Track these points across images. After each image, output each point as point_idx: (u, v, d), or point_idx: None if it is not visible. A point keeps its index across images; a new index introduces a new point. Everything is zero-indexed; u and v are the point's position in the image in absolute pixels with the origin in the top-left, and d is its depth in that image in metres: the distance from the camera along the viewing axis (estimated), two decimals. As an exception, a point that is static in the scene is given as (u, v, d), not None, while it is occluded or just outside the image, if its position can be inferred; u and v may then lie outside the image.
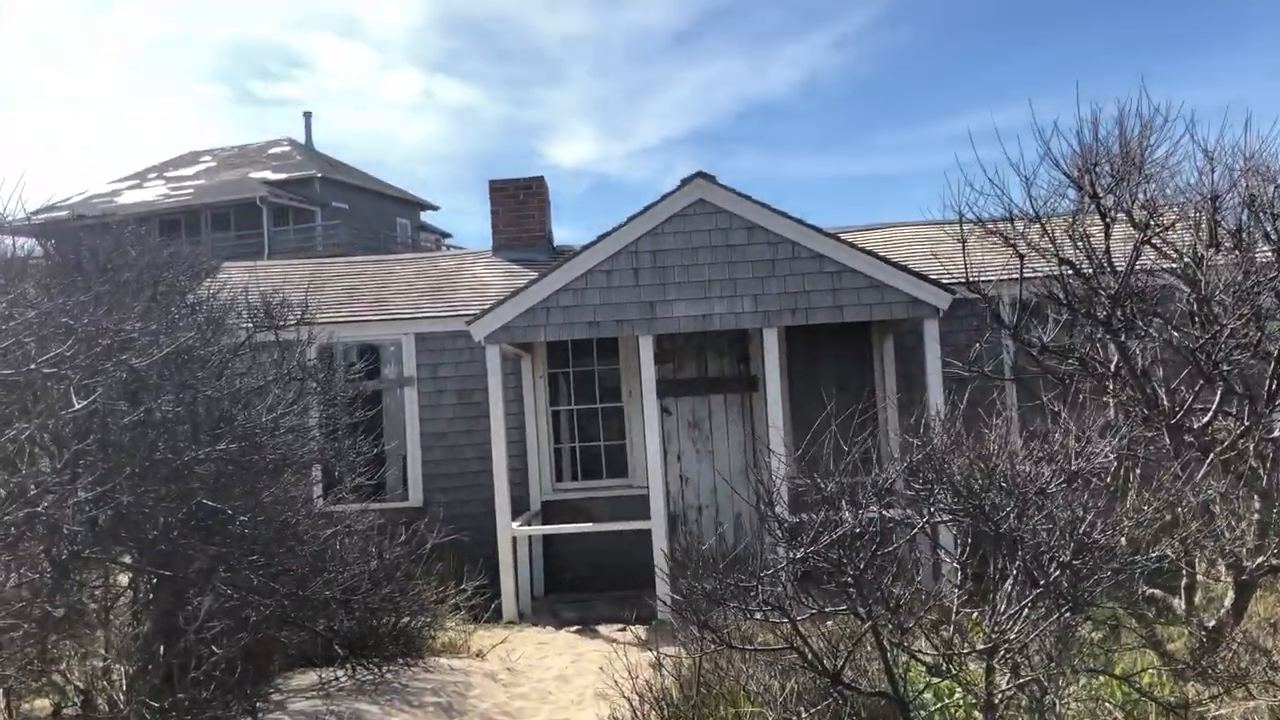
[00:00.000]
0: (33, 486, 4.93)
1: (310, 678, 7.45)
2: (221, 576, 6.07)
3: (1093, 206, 8.30)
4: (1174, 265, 8.09)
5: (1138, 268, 8.11)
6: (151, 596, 6.24)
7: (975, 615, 5.35)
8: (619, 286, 10.85)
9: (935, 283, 10.66)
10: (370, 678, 7.56)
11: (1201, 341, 7.36)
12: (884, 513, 5.22)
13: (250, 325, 7.88)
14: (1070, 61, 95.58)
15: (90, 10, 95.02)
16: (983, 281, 9.40)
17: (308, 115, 55.54)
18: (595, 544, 12.08)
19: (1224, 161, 8.04)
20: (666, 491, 11.62)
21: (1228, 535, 6.69)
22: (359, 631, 7.56)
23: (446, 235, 57.43)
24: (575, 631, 10.41)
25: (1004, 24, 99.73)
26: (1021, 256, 8.66)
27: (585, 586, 12.25)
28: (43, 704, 6.31)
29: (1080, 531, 5.08)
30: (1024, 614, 5.02)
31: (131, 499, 5.48)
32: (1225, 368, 7.36)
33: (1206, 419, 7.56)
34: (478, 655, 9.01)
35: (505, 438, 11.23)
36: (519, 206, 14.99)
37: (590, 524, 11.74)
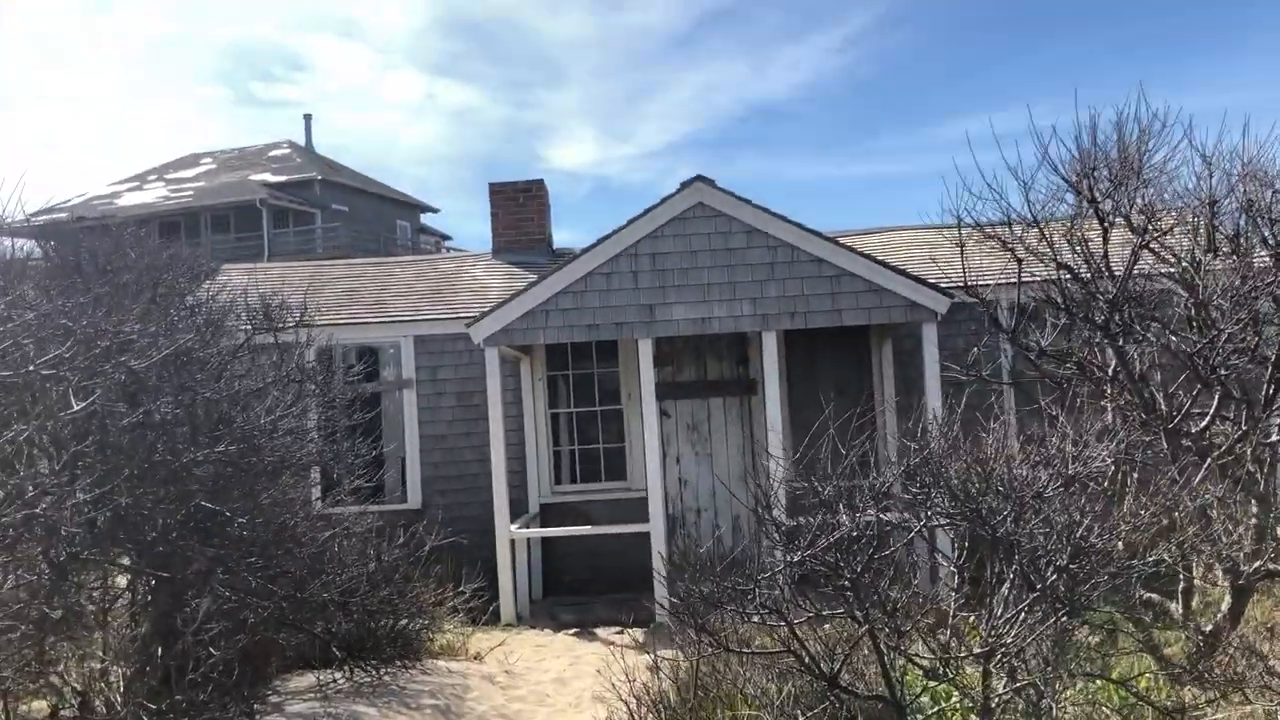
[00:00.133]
0: (31, 488, 4.93)
1: (308, 680, 7.46)
2: (220, 578, 6.08)
3: (1091, 211, 8.33)
4: (1172, 270, 8.11)
5: (1136, 272, 8.13)
6: (149, 598, 6.24)
7: (972, 619, 5.36)
8: (618, 289, 10.86)
9: (934, 287, 10.68)
10: (368, 680, 7.57)
11: (1199, 346, 7.37)
12: (881, 516, 5.23)
13: (249, 327, 7.89)
14: (1070, 63, 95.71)
15: (90, 10, 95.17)
16: (981, 286, 9.42)
17: (308, 117, 55.61)
18: (594, 547, 12.08)
19: (1222, 166, 8.07)
20: (665, 494, 11.63)
21: (1225, 540, 6.71)
22: (357, 634, 7.57)
23: (447, 238, 57.46)
24: (573, 634, 10.41)
25: (1004, 26, 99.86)
26: (1019, 261, 8.68)
27: (584, 589, 12.25)
28: (40, 705, 6.31)
29: (1077, 535, 5.09)
30: (1020, 618, 5.03)
31: (130, 501, 5.49)
32: (1223, 372, 7.38)
33: (1204, 423, 7.57)
34: (476, 658, 9.02)
35: (504, 440, 11.24)
36: (519, 209, 15.01)
37: (589, 527, 11.74)
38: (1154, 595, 7.28)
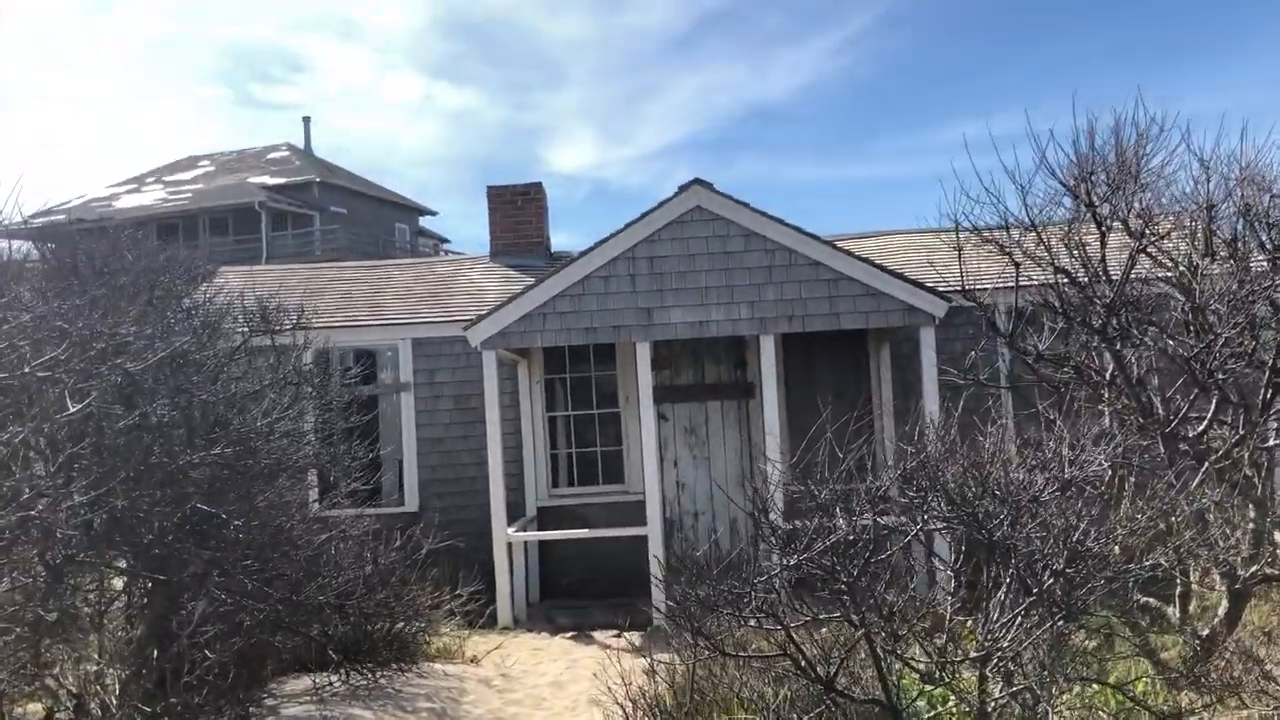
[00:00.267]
0: (27, 490, 4.93)
1: (304, 683, 7.45)
2: (215, 581, 6.07)
3: (1089, 215, 8.34)
4: (1169, 274, 8.12)
5: (1133, 276, 8.14)
6: (145, 601, 6.23)
7: (969, 623, 5.35)
8: (616, 293, 10.87)
9: (931, 290, 10.68)
10: (364, 683, 7.56)
11: (1196, 350, 7.37)
12: (878, 520, 5.23)
13: (246, 330, 7.88)
14: (1069, 64, 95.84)
15: (90, 10, 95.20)
16: (979, 289, 9.43)
17: (306, 120, 55.62)
18: (591, 550, 12.07)
19: (1220, 170, 8.09)
20: (663, 497, 11.62)
21: (1222, 544, 6.70)
22: (353, 636, 7.56)
23: (445, 240, 57.45)
24: (570, 637, 10.40)
25: (1003, 29, 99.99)
26: (1017, 265, 8.69)
27: (581, 592, 12.25)
28: (35, 708, 6.29)
29: (1074, 539, 5.09)
30: (1017, 622, 5.02)
31: (126, 503, 5.48)
32: (1220, 376, 7.38)
33: (1202, 428, 7.58)
34: (472, 661, 9.01)
35: (501, 443, 11.23)
36: (517, 212, 15.02)
37: (586, 530, 11.73)
38: (1151, 600, 7.28)
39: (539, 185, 15.16)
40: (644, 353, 10.91)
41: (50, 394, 5.18)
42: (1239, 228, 8.10)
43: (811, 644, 5.23)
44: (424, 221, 56.84)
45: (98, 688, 6.03)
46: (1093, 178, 8.27)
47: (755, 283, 10.79)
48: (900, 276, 10.84)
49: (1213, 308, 7.45)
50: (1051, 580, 5.04)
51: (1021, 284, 8.69)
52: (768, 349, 10.90)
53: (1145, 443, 7.28)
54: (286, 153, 53.43)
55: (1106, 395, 7.90)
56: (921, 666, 5.16)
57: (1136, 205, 8.28)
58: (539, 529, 12.32)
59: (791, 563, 5.04)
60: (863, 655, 5.28)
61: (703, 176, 10.91)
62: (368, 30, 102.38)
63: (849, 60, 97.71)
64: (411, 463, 12.61)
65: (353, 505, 8.66)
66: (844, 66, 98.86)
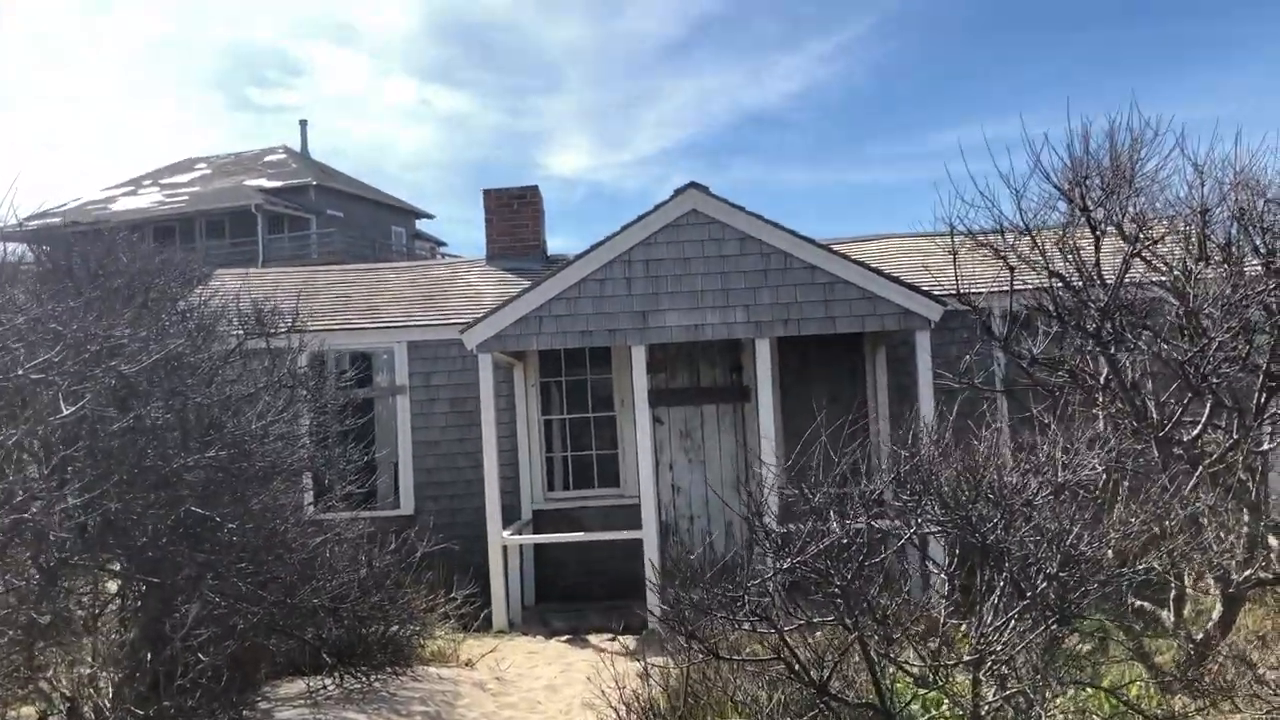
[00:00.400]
0: (20, 492, 4.92)
1: (298, 686, 7.44)
2: (209, 584, 6.06)
3: (1083, 219, 8.34)
4: (1163, 278, 8.13)
5: (1127, 280, 8.14)
6: (139, 604, 6.22)
7: (963, 626, 5.36)
8: (612, 296, 10.87)
9: (927, 294, 10.69)
10: (358, 686, 7.55)
11: (1190, 354, 7.39)
12: (872, 524, 5.24)
13: (241, 332, 7.87)
14: (1064, 72, 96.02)
15: (89, 11, 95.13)
16: (973, 293, 9.43)
17: (303, 123, 55.76)
18: (587, 553, 12.07)
19: (1214, 175, 8.09)
20: (658, 501, 11.61)
21: (1216, 548, 6.71)
22: (347, 640, 7.55)
23: (442, 244, 57.44)
24: (566, 641, 10.40)
25: (998, 34, 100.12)
26: (1012, 269, 8.70)
27: (576, 596, 12.24)
28: (29, 711, 6.29)
29: (1067, 543, 5.09)
30: (1010, 625, 5.03)
31: (120, 506, 5.47)
32: (1214, 381, 7.39)
33: (1196, 432, 7.59)
34: (467, 664, 9.00)
35: (497, 446, 11.23)
36: (513, 215, 15.02)
37: (582, 533, 11.73)
38: (1146, 603, 7.28)
39: (535, 189, 15.17)
40: (639, 356, 10.91)
41: (44, 396, 5.17)
42: (1233, 232, 8.11)
43: (805, 647, 5.23)
44: (421, 225, 56.85)
45: (91, 691, 6.02)
46: (1087, 182, 8.28)
47: (751, 286, 10.80)
48: (896, 280, 10.85)
49: (1207, 312, 7.46)
50: (1045, 584, 5.05)
51: (1016, 288, 8.70)
52: (763, 352, 10.90)
53: (1139, 447, 7.29)
54: (283, 156, 53.42)
55: (1101, 399, 7.91)
56: (915, 670, 5.17)
57: (1131, 209, 8.29)
58: (534, 532, 12.32)
59: (785, 566, 5.05)
60: (856, 659, 5.29)
61: (699, 180, 10.94)
62: (364, 34, 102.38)
63: (844, 66, 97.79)
64: (407, 466, 12.60)
65: (348, 508, 8.65)
66: (839, 72, 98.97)
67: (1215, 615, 7.15)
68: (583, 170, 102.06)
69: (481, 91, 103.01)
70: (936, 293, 10.70)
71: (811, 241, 10.91)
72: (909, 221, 18.02)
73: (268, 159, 53.42)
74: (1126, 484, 6.60)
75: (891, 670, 5.24)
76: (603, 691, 6.39)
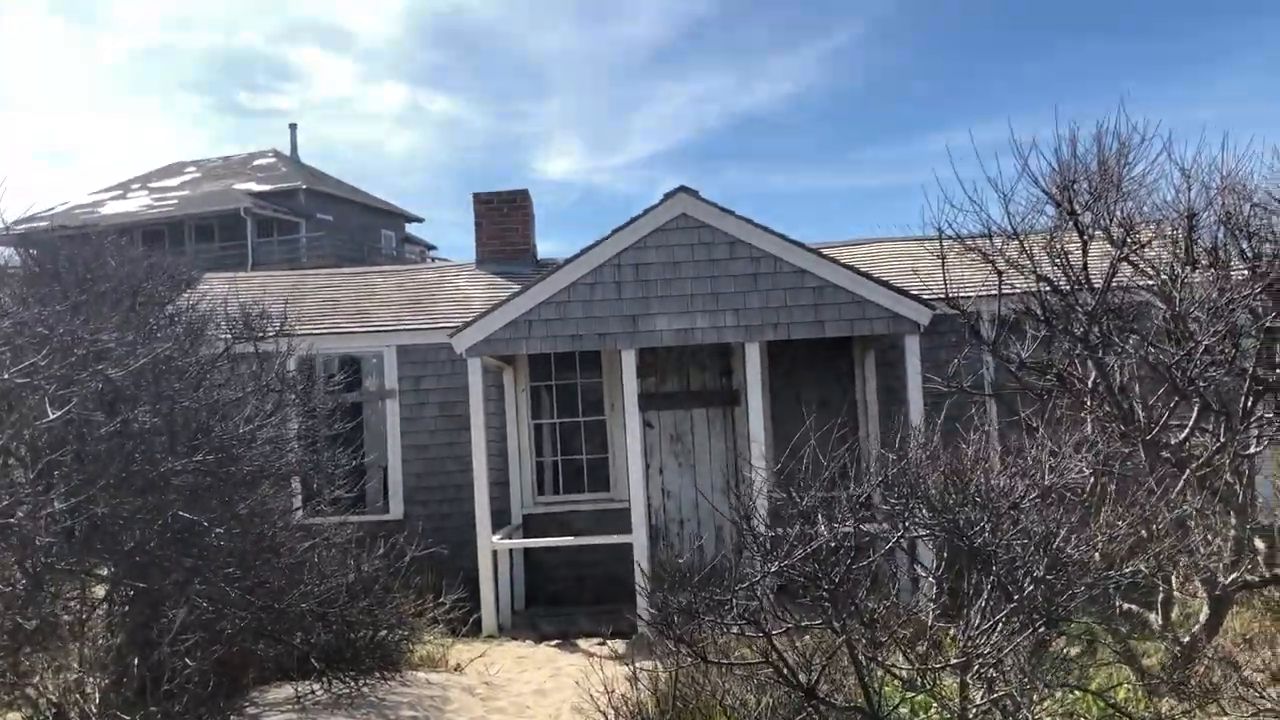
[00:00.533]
0: (6, 497, 4.91)
1: (286, 691, 7.41)
2: (197, 589, 6.05)
3: (1070, 223, 8.38)
4: (1151, 282, 8.17)
5: (1115, 284, 8.18)
6: (126, 609, 6.20)
7: (951, 630, 5.37)
8: (602, 300, 10.87)
9: (916, 298, 10.71)
10: (346, 691, 7.52)
11: (1177, 358, 7.42)
12: (860, 527, 5.24)
13: (229, 336, 7.86)
14: (1054, 77, 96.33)
15: (78, 17, 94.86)
16: (962, 297, 9.47)
17: (293, 127, 55.44)
18: (577, 558, 12.06)
19: (1200, 179, 8.14)
20: (648, 505, 11.61)
21: (1202, 551, 6.74)
22: (336, 645, 7.52)
23: (431, 247, 57.35)
24: (555, 645, 10.39)
25: (988, 40, 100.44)
26: (1000, 273, 8.73)
27: (566, 600, 12.23)
28: (14, 717, 6.25)
29: (1054, 546, 5.11)
30: (998, 628, 5.04)
31: (107, 510, 5.46)
32: (1201, 384, 7.42)
33: (1183, 435, 7.62)
34: (456, 669, 8.98)
35: (486, 450, 11.22)
36: (503, 219, 15.01)
37: (571, 537, 11.71)
38: (1133, 606, 7.31)
39: (525, 192, 15.16)
40: (629, 360, 10.91)
41: (30, 400, 5.16)
42: (1220, 236, 8.16)
43: (793, 651, 5.23)
44: (410, 228, 56.77)
45: (78, 696, 6.00)
46: (1075, 186, 8.33)
47: (740, 290, 10.81)
48: (885, 284, 10.87)
49: (1193, 315, 7.50)
50: (1032, 587, 5.06)
51: (1005, 292, 8.73)
52: (753, 356, 10.91)
53: (1127, 450, 7.31)
54: (273, 159, 53.30)
55: (1089, 403, 7.94)
56: (903, 673, 5.17)
57: (1118, 213, 8.33)
58: (524, 536, 12.30)
59: (773, 569, 5.05)
60: (845, 662, 5.29)
61: (690, 185, 10.93)
62: (355, 39, 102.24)
63: (835, 71, 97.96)
64: (396, 470, 12.58)
65: (336, 513, 8.62)
66: (830, 77, 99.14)
67: (1202, 618, 7.19)
68: (574, 174, 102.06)
69: (472, 96, 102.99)
70: (925, 297, 10.72)
71: (801, 245, 10.93)
72: (899, 226, 18.03)
73: (257, 163, 53.30)
74: (1114, 487, 6.62)
75: (879, 673, 5.24)
76: (591, 696, 6.38)
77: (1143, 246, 8.27)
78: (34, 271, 7.68)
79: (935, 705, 5.31)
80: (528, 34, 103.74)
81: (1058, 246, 8.38)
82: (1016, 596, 5.05)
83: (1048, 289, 8.36)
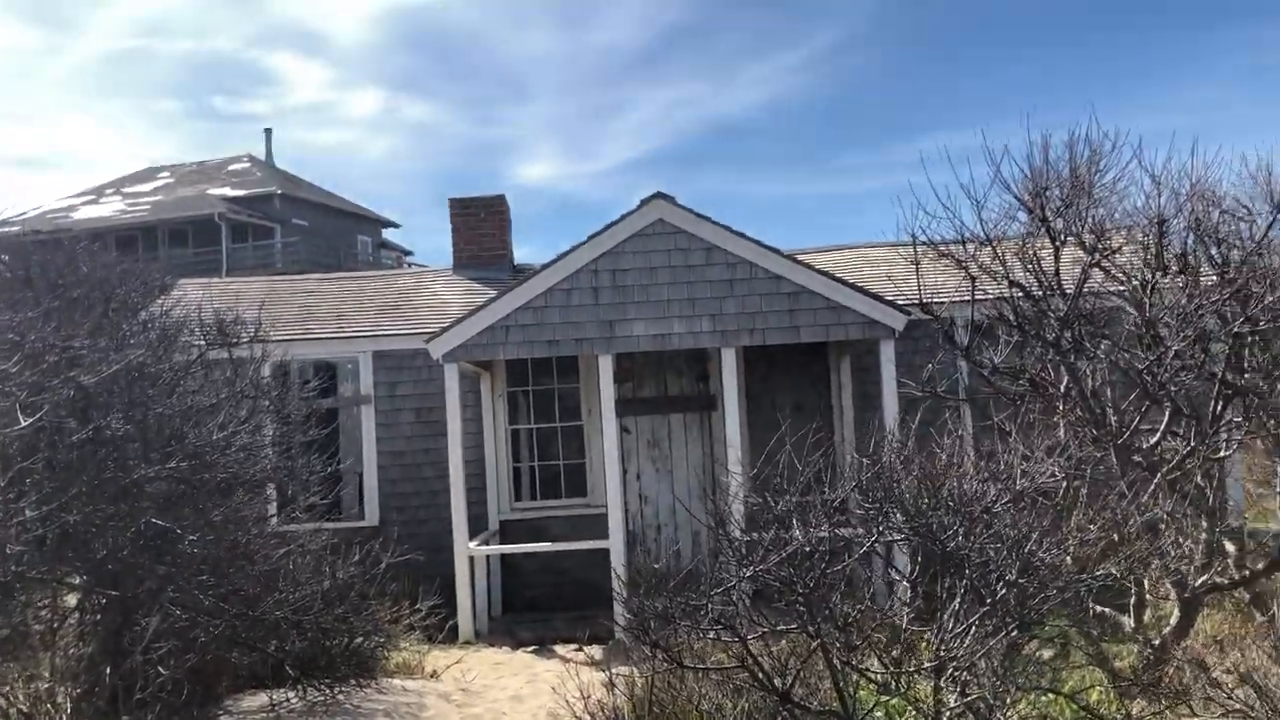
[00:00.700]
0: (-24, 505, 4.86)
1: (260, 699, 7.37)
2: (170, 596, 6.01)
3: (1043, 229, 8.45)
4: (1122, 288, 8.24)
5: (1086, 290, 8.25)
6: (98, 617, 6.16)
7: (925, 633, 5.40)
8: (578, 305, 10.87)
9: (891, 304, 10.78)
10: (321, 699, 7.49)
11: (1148, 363, 7.50)
12: (835, 532, 5.27)
13: (203, 342, 7.81)
14: (1026, 85, 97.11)
15: (51, 23, 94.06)
16: (936, 303, 9.52)
17: (268, 131, 55.16)
18: (554, 563, 12.05)
19: (1171, 186, 8.22)
20: (625, 510, 11.61)
21: (1173, 554, 6.80)
22: (311, 652, 7.48)
23: (408, 253, 57.20)
24: (532, 651, 10.37)
25: (962, 48, 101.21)
26: (973, 278, 8.78)
27: (543, 606, 12.20)
28: (-15, 727, 6.20)
29: (1026, 550, 5.15)
30: (971, 632, 5.07)
31: (79, 518, 5.42)
32: (1171, 389, 7.50)
33: (1154, 439, 7.69)
34: (432, 676, 8.95)
35: (463, 456, 11.19)
36: (479, 224, 14.98)
37: (548, 543, 11.70)
38: (1107, 609, 7.37)
39: (501, 197, 15.15)
40: (606, 365, 10.92)
41: (0, 407, 5.11)
42: (1189, 242, 8.25)
43: (769, 656, 5.25)
44: (387, 234, 56.61)
45: (49, 706, 5.95)
46: (1047, 193, 8.39)
47: (717, 296, 10.84)
48: (860, 290, 10.93)
49: (1164, 321, 7.58)
50: (1005, 590, 5.10)
51: (978, 297, 8.78)
52: (729, 362, 10.94)
53: (1099, 454, 7.38)
54: (247, 164, 53.01)
55: (1061, 407, 8.00)
56: (878, 677, 5.20)
57: (1090, 220, 8.40)
58: (501, 542, 12.28)
59: (748, 574, 5.07)
60: (820, 666, 5.31)
61: (667, 191, 10.96)
62: (330, 43, 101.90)
63: (811, 77, 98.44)
64: (372, 476, 12.52)
65: (311, 519, 8.59)
66: (807, 83, 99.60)
67: (1173, 620, 7.25)
68: (551, 180, 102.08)
69: (448, 101, 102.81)
70: (900, 302, 10.79)
71: (776, 251, 10.97)
72: (875, 232, 18.12)
73: (232, 168, 52.99)
74: (1086, 491, 6.68)
75: (854, 677, 5.27)
76: (568, 702, 6.38)
77: (1114, 252, 8.35)
78: (5, 277, 7.62)
79: (909, 708, 5.34)
80: (505, 40, 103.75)
81: (1030, 252, 8.44)
82: (990, 600, 5.09)
83: (1020, 295, 8.42)
